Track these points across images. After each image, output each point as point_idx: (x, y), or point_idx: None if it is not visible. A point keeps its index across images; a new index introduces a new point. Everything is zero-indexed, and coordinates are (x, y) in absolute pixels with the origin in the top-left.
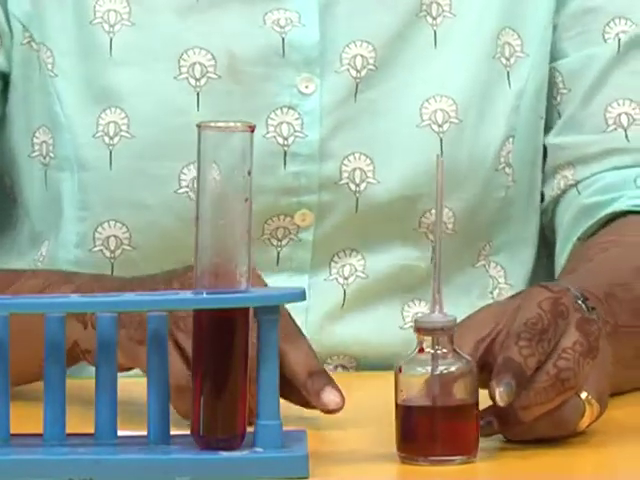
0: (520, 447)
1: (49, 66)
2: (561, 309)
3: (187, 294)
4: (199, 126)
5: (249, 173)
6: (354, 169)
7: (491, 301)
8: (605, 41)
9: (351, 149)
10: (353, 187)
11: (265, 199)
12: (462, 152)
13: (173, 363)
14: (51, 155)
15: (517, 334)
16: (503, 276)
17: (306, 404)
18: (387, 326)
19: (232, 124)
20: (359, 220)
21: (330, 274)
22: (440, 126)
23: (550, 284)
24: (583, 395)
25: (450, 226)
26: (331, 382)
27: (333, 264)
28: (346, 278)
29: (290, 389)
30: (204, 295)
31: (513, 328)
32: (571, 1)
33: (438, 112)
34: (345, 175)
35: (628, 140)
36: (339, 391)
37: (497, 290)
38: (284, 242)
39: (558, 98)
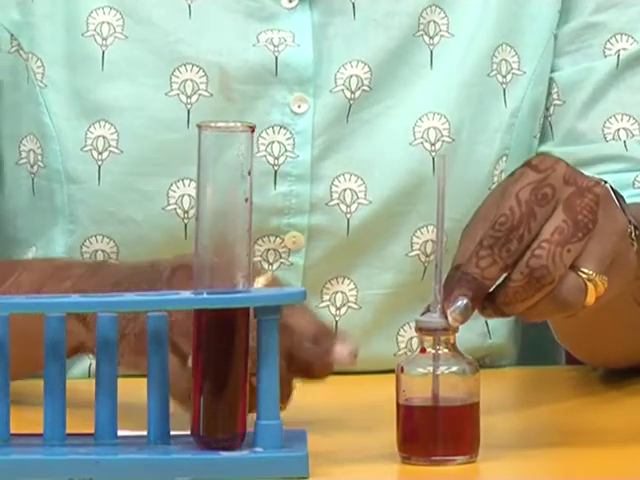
0: (521, 447)
1: (38, 76)
2: (544, 192)
3: (187, 294)
4: (199, 126)
5: (249, 173)
6: (344, 189)
7: None
8: (605, 57)
9: (342, 170)
10: (344, 208)
11: (255, 219)
12: (454, 171)
13: (172, 369)
14: (40, 164)
15: (480, 242)
16: None
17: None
18: (381, 355)
19: (232, 124)
20: (350, 245)
21: (322, 300)
22: (433, 144)
23: (539, 160)
24: (584, 272)
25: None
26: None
27: (325, 290)
28: (338, 308)
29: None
30: (204, 295)
31: (479, 235)
32: (574, 17)
33: (431, 130)
34: (335, 196)
35: (627, 149)
36: (350, 343)
37: None
38: (275, 266)
39: (551, 110)
